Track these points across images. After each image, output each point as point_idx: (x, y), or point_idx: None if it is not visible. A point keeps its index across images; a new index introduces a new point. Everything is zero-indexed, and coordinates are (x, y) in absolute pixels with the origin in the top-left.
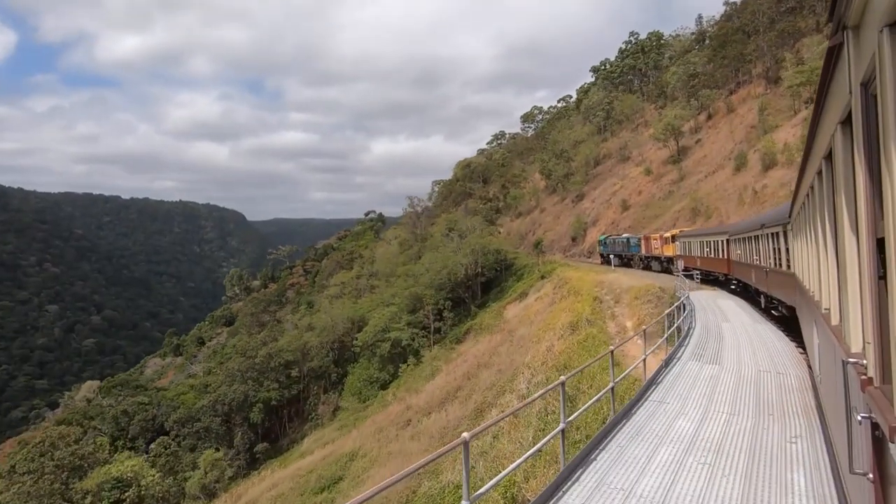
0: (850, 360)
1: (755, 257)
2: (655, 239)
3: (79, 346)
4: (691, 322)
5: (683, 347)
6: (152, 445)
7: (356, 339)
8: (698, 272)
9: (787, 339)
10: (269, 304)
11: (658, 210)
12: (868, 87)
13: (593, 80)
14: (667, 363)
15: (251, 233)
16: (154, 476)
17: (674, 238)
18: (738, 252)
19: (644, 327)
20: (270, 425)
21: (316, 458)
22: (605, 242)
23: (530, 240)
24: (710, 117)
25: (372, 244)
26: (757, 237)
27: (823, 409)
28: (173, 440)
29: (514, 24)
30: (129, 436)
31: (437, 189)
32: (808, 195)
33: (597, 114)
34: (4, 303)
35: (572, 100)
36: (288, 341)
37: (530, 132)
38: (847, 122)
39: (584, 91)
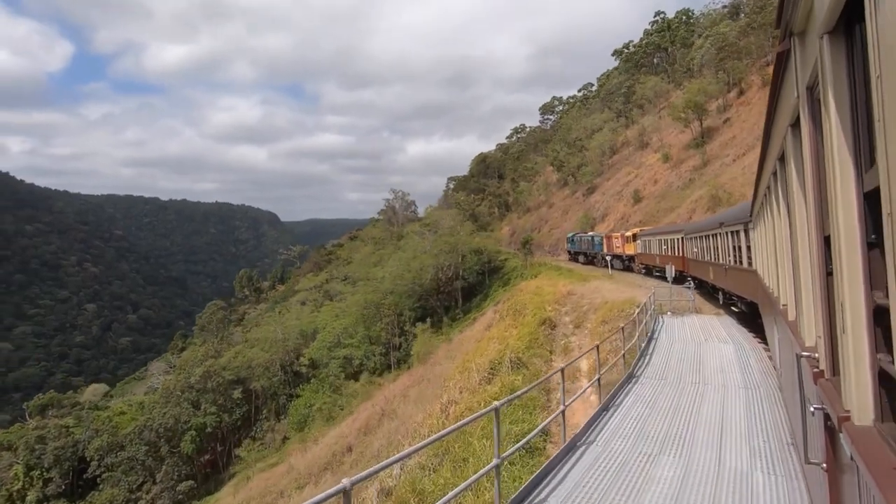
0: (804, 353)
1: (713, 255)
2: (617, 238)
3: (115, 344)
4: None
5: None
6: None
7: (301, 357)
8: (690, 281)
9: None
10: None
11: (674, 201)
12: (813, 91)
13: (616, 64)
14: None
15: (285, 233)
16: None
17: (634, 237)
18: (695, 250)
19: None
20: (213, 456)
21: None
22: (573, 240)
23: (536, 238)
24: (741, 93)
25: (349, 244)
26: (715, 235)
27: (783, 403)
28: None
29: (546, 23)
30: (45, 465)
31: (451, 185)
32: (765, 195)
33: (616, 98)
34: (45, 301)
35: (593, 88)
36: (230, 358)
37: (549, 125)
38: (796, 124)
39: (605, 77)
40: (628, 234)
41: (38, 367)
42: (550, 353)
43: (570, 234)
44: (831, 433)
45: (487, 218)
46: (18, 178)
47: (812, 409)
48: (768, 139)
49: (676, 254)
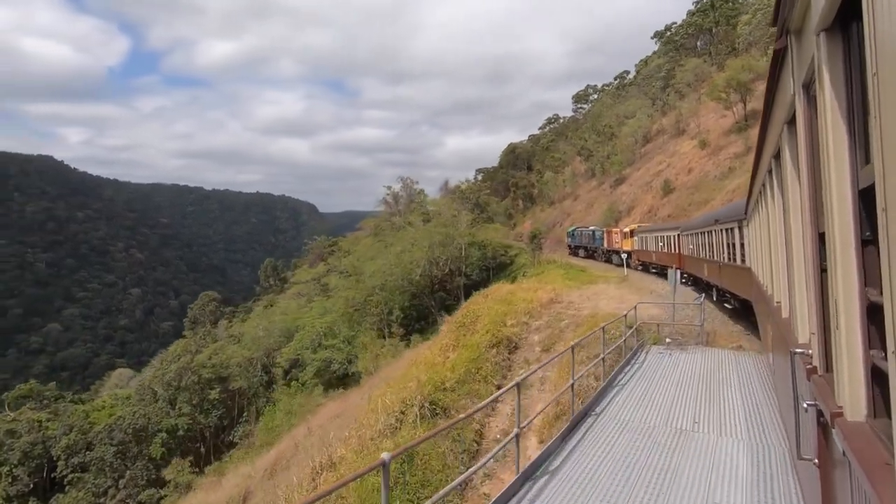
0: (797, 350)
1: (708, 252)
2: (616, 233)
3: (157, 328)
4: None
5: None
6: None
7: (278, 358)
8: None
9: None
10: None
11: (709, 192)
12: (809, 89)
13: (656, 48)
14: None
15: (323, 224)
16: None
17: (632, 233)
18: (690, 247)
19: None
20: (192, 461)
21: None
22: (573, 234)
23: (557, 232)
24: None
25: (352, 235)
26: (710, 232)
27: (777, 399)
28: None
29: (586, 18)
30: (13, 462)
31: (479, 178)
32: (760, 192)
33: (653, 83)
34: (93, 285)
35: (630, 76)
36: (209, 354)
37: (582, 114)
38: (792, 122)
39: (643, 63)
40: (626, 230)
41: (84, 348)
42: (498, 388)
43: (570, 229)
44: (824, 429)
45: (511, 210)
46: (73, 166)
47: (805, 405)
48: (764, 136)
49: (673, 251)
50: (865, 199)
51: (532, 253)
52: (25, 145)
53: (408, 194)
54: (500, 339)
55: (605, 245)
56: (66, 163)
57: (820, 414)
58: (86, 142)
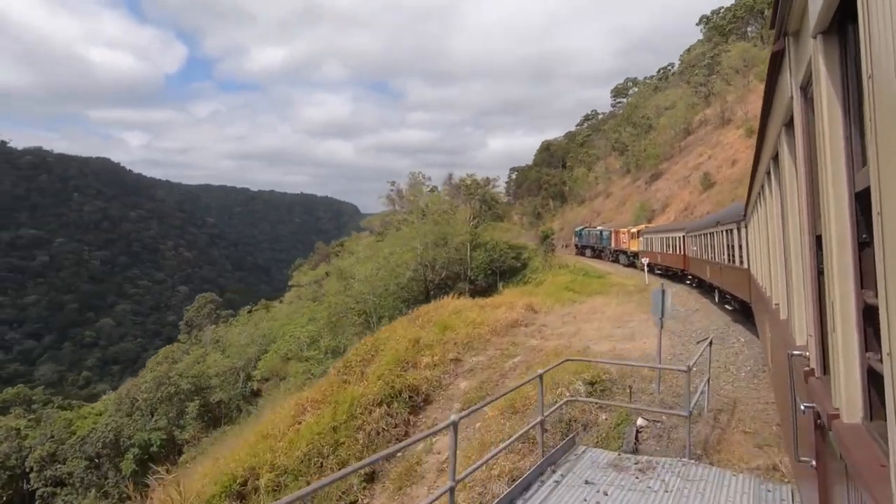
0: (795, 352)
1: (710, 254)
2: (624, 233)
3: None
4: None
5: None
6: None
7: (255, 370)
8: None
9: None
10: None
11: None
12: (806, 91)
13: (700, 36)
14: None
15: (364, 224)
16: None
17: (639, 234)
18: (694, 248)
19: None
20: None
21: None
22: (580, 234)
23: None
24: None
25: (356, 236)
26: (712, 234)
27: (775, 401)
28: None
29: (633, 15)
30: None
31: (513, 177)
32: (759, 194)
33: (696, 72)
34: (144, 282)
35: (674, 68)
36: (190, 363)
37: (621, 108)
38: (790, 124)
39: (687, 53)
40: (634, 230)
41: (134, 343)
42: (364, 488)
43: (577, 228)
44: (821, 431)
45: (540, 210)
46: (129, 168)
47: (802, 407)
48: (762, 138)
49: (678, 252)
50: (862, 202)
51: (543, 255)
52: (86, 148)
53: (395, 187)
54: (399, 390)
55: (613, 245)
56: (122, 164)
57: (817, 416)
58: (144, 145)
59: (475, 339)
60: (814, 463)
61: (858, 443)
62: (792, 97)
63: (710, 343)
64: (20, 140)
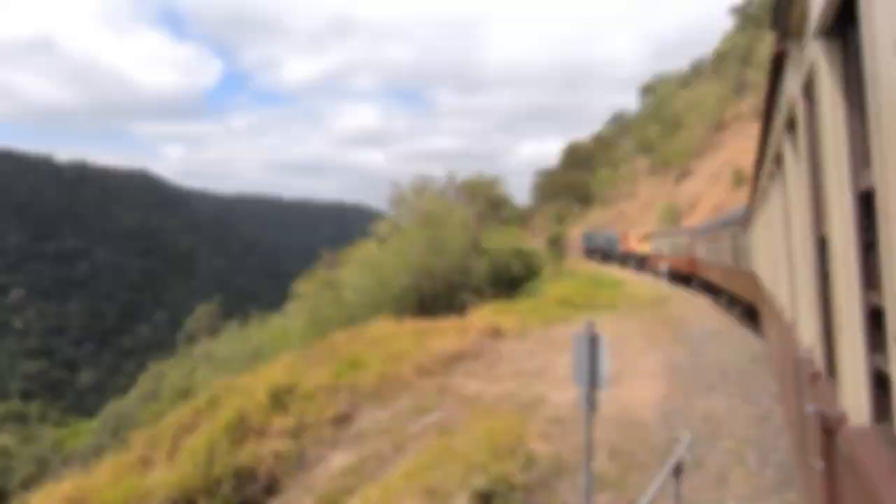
0: (801, 354)
1: (717, 256)
2: (632, 237)
3: None
4: None
5: None
6: None
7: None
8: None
9: None
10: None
11: None
12: (808, 92)
13: (734, 24)
14: None
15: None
16: None
17: (647, 237)
18: (703, 251)
19: None
20: None
21: None
22: (588, 238)
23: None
24: None
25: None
26: (719, 236)
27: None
28: None
29: (665, 21)
30: None
31: (537, 181)
32: (763, 196)
33: (729, 64)
34: (180, 290)
35: (704, 63)
36: (179, 375)
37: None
38: (792, 125)
39: (720, 44)
40: (642, 234)
41: (168, 351)
42: None
43: (585, 232)
44: (828, 434)
45: (563, 213)
46: (166, 179)
47: (809, 410)
48: (765, 140)
49: (687, 255)
50: (866, 203)
51: (552, 261)
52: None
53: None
54: (219, 479)
55: (622, 248)
56: (160, 176)
57: (823, 419)
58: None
59: (392, 382)
60: (821, 466)
61: (866, 446)
62: (794, 98)
63: (678, 470)
64: (64, 153)
